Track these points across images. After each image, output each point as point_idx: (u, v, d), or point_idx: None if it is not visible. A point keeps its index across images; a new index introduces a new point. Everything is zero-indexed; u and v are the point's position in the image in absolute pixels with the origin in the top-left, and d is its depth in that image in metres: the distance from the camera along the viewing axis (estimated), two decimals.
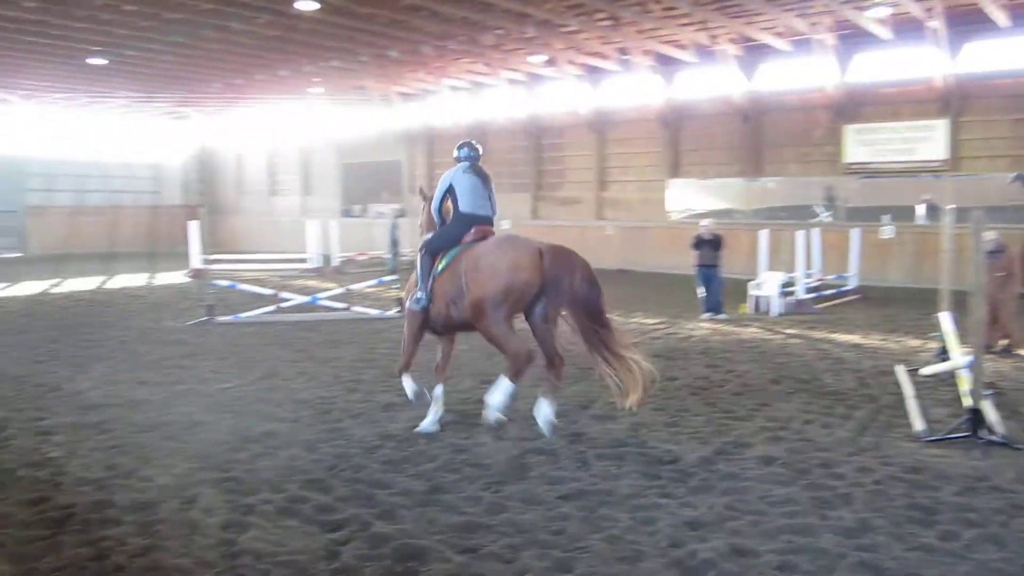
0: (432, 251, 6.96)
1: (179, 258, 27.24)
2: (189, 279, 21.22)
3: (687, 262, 14.62)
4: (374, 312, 14.39)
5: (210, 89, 29.55)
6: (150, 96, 31.41)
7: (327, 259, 23.85)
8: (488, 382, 8.68)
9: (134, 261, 28.85)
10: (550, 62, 25.32)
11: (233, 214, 39.60)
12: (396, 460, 6.07)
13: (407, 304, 7.05)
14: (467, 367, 9.59)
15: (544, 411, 6.62)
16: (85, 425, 7.09)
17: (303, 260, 23.59)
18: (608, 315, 6.39)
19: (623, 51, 24.16)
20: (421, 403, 7.04)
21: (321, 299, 14.39)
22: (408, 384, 7.10)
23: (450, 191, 7.12)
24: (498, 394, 6.51)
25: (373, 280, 16.34)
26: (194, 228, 21.87)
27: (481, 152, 7.36)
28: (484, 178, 7.13)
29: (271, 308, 13.90)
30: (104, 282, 21.38)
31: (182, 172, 40.55)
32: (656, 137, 25.80)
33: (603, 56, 24.53)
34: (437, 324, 6.92)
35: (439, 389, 7.04)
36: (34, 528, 4.81)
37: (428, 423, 6.90)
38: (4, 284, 20.49)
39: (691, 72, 24.68)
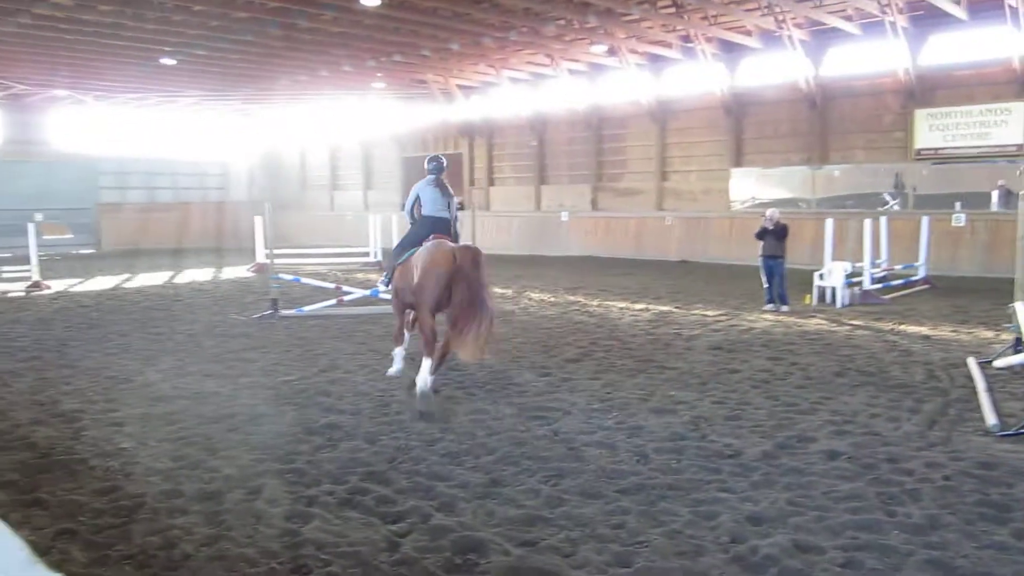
0: (402, 247, 8.60)
1: (244, 253, 27.93)
2: (253, 274, 21.86)
3: (750, 253, 14.39)
4: None
5: (276, 86, 30.08)
6: (218, 94, 32.12)
7: (388, 253, 24.07)
8: (546, 374, 8.77)
9: (201, 256, 29.52)
10: (611, 52, 25.17)
11: (297, 209, 40.32)
12: (455, 453, 6.09)
13: (382, 284, 9.26)
14: (525, 359, 9.61)
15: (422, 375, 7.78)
16: (154, 416, 7.26)
17: (364, 254, 23.85)
18: (483, 297, 7.62)
19: (686, 39, 23.89)
20: (393, 381, 8.56)
21: (382, 292, 14.43)
22: (396, 360, 8.90)
23: (417, 199, 8.77)
24: (423, 374, 7.60)
25: None
26: (259, 224, 22.48)
27: (446, 165, 8.95)
28: (443, 189, 8.82)
29: (332, 302, 14.06)
30: (172, 277, 21.92)
31: (247, 169, 41.48)
32: (719, 126, 25.46)
33: (665, 44, 24.28)
34: (404, 302, 8.62)
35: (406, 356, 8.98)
36: (106, 516, 4.94)
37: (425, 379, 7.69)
38: (78, 280, 21.11)
39: (755, 59, 24.25)
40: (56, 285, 19.23)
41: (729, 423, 6.84)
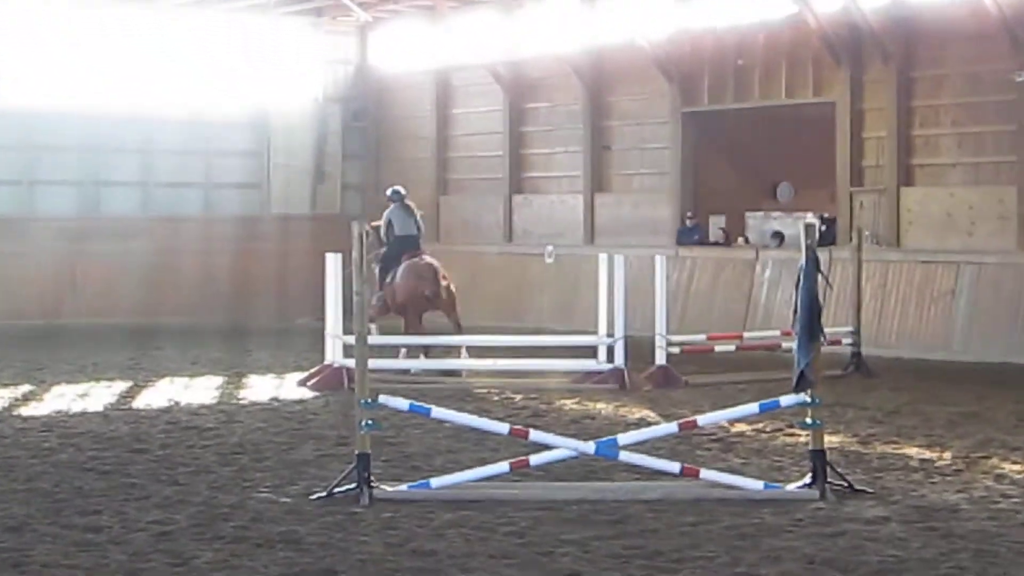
0: (385, 266, 27.39)
1: (298, 339, 30.13)
2: (317, 393, 23.12)
3: None
4: (753, 484, 14.43)
5: None
6: None
7: (633, 348, 24.73)
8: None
9: (199, 344, 31.39)
10: None
11: (427, 238, 41.36)
12: None
13: (372, 301, 26.59)
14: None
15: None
16: None
17: (581, 348, 25.00)
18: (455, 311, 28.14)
19: None
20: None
21: (624, 448, 14.54)
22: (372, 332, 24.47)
23: (390, 223, 28.09)
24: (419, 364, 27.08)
25: (752, 404, 16.44)
26: (334, 268, 23.76)
27: (405, 193, 28.87)
28: (408, 211, 28.46)
29: (504, 467, 14.36)
30: (129, 395, 23.23)
31: (314, 139, 43.37)
32: None
33: None
34: (391, 311, 28.33)
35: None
36: None
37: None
38: None
39: None
40: None
41: None
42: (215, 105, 41.56)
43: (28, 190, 39.30)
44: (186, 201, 41.25)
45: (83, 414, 20.70)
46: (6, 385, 24.36)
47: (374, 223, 27.85)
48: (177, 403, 22.14)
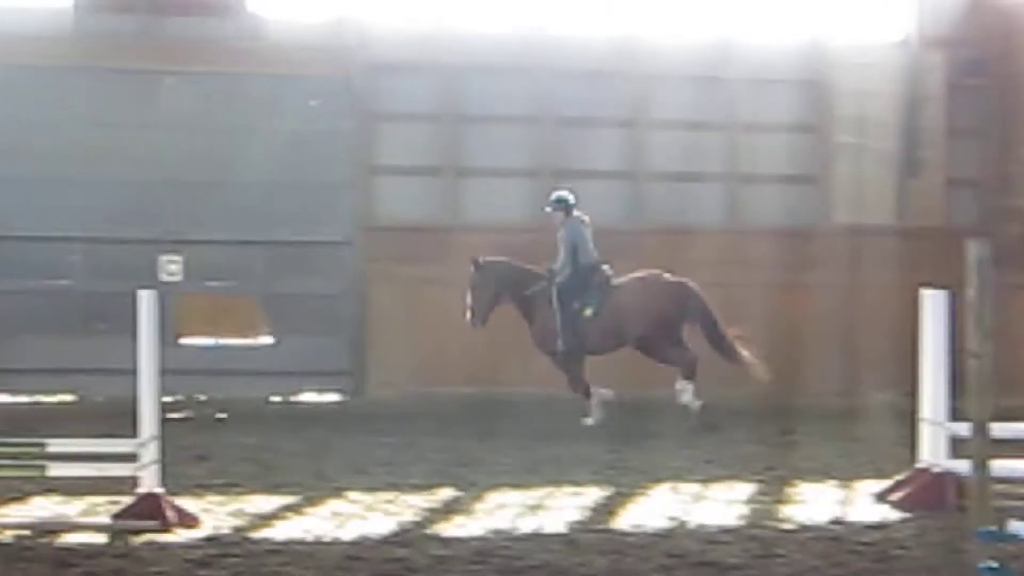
0: (566, 297, 31.06)
1: (875, 426, 30.94)
2: (907, 511, 21.61)
3: None
4: None
5: None
6: None
7: None
8: None
9: (719, 432, 31.10)
10: None
11: None
12: None
13: (558, 348, 32.13)
14: None
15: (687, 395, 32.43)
16: None
17: None
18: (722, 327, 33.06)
19: None
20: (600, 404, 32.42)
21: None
22: (592, 399, 32.29)
23: (577, 244, 31.64)
24: (688, 393, 31.39)
25: None
26: (935, 313, 22.29)
27: (575, 202, 32.85)
28: (587, 227, 32.22)
29: None
30: (611, 507, 22.17)
31: (903, 106, 41.78)
32: None
33: None
34: (595, 351, 32.49)
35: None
36: None
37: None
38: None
39: None
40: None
41: None
42: (739, 48, 40.07)
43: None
44: (691, 202, 39.87)
45: (535, 537, 19.26)
46: (419, 489, 23.43)
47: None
48: (682, 523, 20.47)
